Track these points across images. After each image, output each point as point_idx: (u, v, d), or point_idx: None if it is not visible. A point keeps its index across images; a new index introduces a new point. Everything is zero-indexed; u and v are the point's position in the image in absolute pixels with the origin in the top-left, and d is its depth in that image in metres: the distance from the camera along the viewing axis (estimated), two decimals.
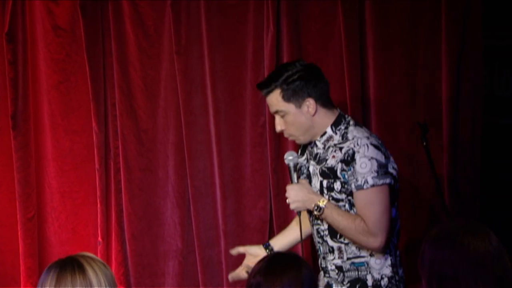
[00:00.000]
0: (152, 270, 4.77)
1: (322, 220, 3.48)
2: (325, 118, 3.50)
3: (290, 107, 3.49)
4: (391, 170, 3.46)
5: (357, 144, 3.39)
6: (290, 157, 3.52)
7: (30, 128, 4.76)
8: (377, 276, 3.48)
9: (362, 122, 4.46)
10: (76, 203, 4.79)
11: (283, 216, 4.60)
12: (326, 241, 3.52)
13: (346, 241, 3.46)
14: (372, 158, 3.38)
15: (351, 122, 3.53)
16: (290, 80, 3.49)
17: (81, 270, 2.52)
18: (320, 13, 4.58)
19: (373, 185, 3.37)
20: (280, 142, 4.59)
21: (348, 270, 3.50)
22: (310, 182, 3.53)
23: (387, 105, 4.57)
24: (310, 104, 3.48)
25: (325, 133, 3.50)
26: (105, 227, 4.74)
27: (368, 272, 3.48)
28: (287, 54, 4.58)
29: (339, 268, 3.50)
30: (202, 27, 4.62)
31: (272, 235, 4.52)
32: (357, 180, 3.39)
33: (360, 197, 3.40)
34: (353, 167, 3.39)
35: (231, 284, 4.34)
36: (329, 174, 3.45)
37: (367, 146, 3.38)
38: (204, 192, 4.68)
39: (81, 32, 4.69)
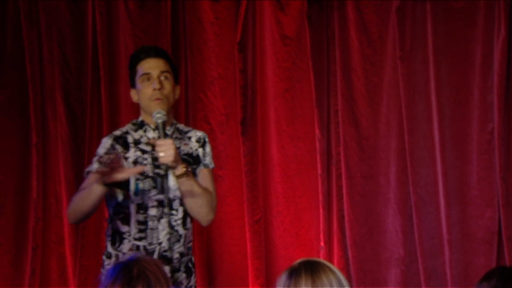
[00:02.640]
0: (373, 277, 4.41)
1: (177, 210, 3.35)
2: (173, 111, 3.51)
3: (172, 76, 3.40)
4: None
5: (201, 132, 3.47)
6: (158, 115, 3.28)
7: (258, 133, 4.55)
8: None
9: None
10: (299, 207, 4.51)
11: None
12: (177, 230, 3.37)
13: (189, 226, 3.40)
14: (210, 145, 3.49)
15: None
16: (172, 61, 3.48)
17: (330, 270, 2.37)
18: None
19: (213, 167, 3.46)
20: (510, 149, 4.16)
21: (186, 255, 3.40)
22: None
23: None
24: (178, 91, 3.46)
25: (172, 124, 3.43)
26: (327, 232, 4.44)
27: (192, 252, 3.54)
28: None
29: (181, 254, 3.38)
30: (427, 32, 4.27)
31: (501, 247, 4.15)
32: (205, 159, 3.42)
33: (206, 173, 3.40)
34: (204, 149, 3.43)
35: None
36: (189, 160, 3.39)
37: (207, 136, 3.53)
38: (427, 200, 4.29)
39: (307, 41, 4.45)
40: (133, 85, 3.38)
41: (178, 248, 3.35)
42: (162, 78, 3.33)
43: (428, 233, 4.24)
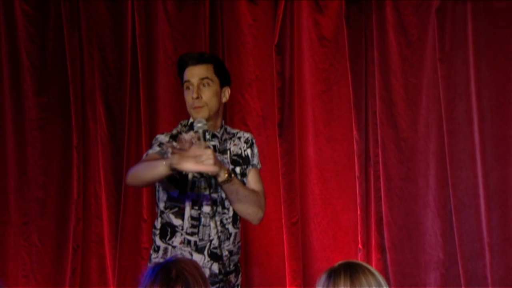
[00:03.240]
0: (412, 280, 4.27)
1: (228, 209, 3.39)
2: (222, 113, 3.49)
3: (216, 81, 3.39)
4: None
5: (248, 134, 3.52)
6: (199, 124, 3.28)
7: (295, 135, 4.45)
8: None
9: None
10: (337, 209, 4.40)
11: None
12: (227, 229, 3.41)
13: (239, 225, 3.45)
14: (257, 147, 3.55)
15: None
16: (220, 63, 3.49)
17: (370, 271, 2.35)
18: None
19: (261, 168, 3.50)
20: None
21: (236, 253, 3.45)
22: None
23: None
24: (227, 93, 3.45)
25: (222, 126, 3.47)
26: (365, 235, 4.32)
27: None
28: None
29: (230, 252, 3.42)
30: (468, 33, 4.11)
31: None
32: (253, 160, 3.47)
33: (254, 174, 3.45)
34: (252, 150, 3.48)
35: None
36: (239, 161, 3.44)
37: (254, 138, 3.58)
38: (467, 203, 4.14)
39: (345, 42, 4.34)
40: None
41: (228, 246, 3.38)
42: (201, 86, 3.35)
43: (468, 236, 4.09)
